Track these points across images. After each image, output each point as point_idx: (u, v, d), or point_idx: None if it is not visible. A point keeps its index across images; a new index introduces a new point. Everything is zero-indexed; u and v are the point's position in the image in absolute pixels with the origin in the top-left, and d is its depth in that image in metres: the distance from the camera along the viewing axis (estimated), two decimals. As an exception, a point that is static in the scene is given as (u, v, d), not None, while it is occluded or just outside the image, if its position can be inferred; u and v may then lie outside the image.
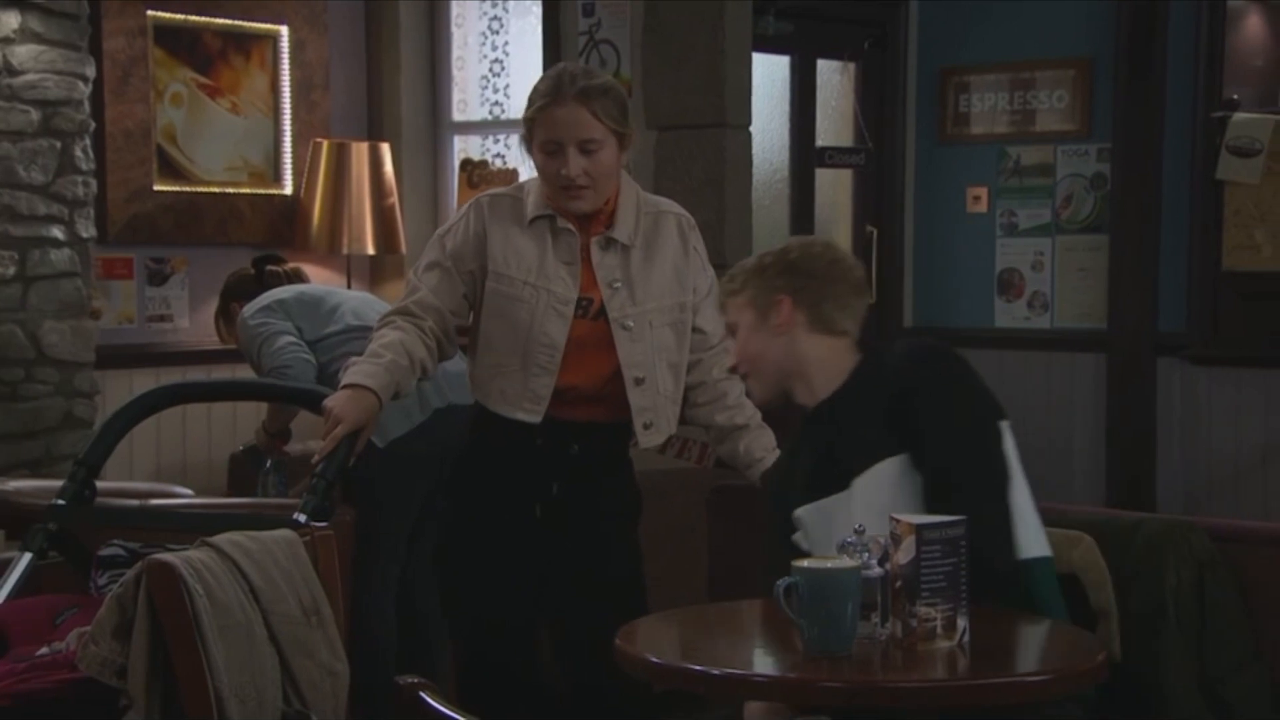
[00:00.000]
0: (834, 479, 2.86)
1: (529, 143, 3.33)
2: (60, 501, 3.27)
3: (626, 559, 3.44)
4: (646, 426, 3.35)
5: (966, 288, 6.91)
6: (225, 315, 4.86)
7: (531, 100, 3.31)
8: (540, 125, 3.28)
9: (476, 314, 3.40)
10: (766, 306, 3.00)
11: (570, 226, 3.33)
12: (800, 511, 2.91)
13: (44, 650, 2.84)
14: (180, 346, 6.10)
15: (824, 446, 2.92)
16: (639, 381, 3.32)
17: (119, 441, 3.41)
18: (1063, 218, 6.76)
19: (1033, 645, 2.65)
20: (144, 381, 5.77)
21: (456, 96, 6.75)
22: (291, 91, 6.36)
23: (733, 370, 3.14)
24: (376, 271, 6.71)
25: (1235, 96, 6.43)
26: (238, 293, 4.77)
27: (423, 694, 1.88)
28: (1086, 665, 2.48)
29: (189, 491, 4.87)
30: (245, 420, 6.20)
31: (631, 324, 3.32)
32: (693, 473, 4.61)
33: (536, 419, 3.30)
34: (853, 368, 2.98)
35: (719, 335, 3.46)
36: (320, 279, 6.44)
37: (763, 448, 3.45)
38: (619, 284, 3.33)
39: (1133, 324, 6.54)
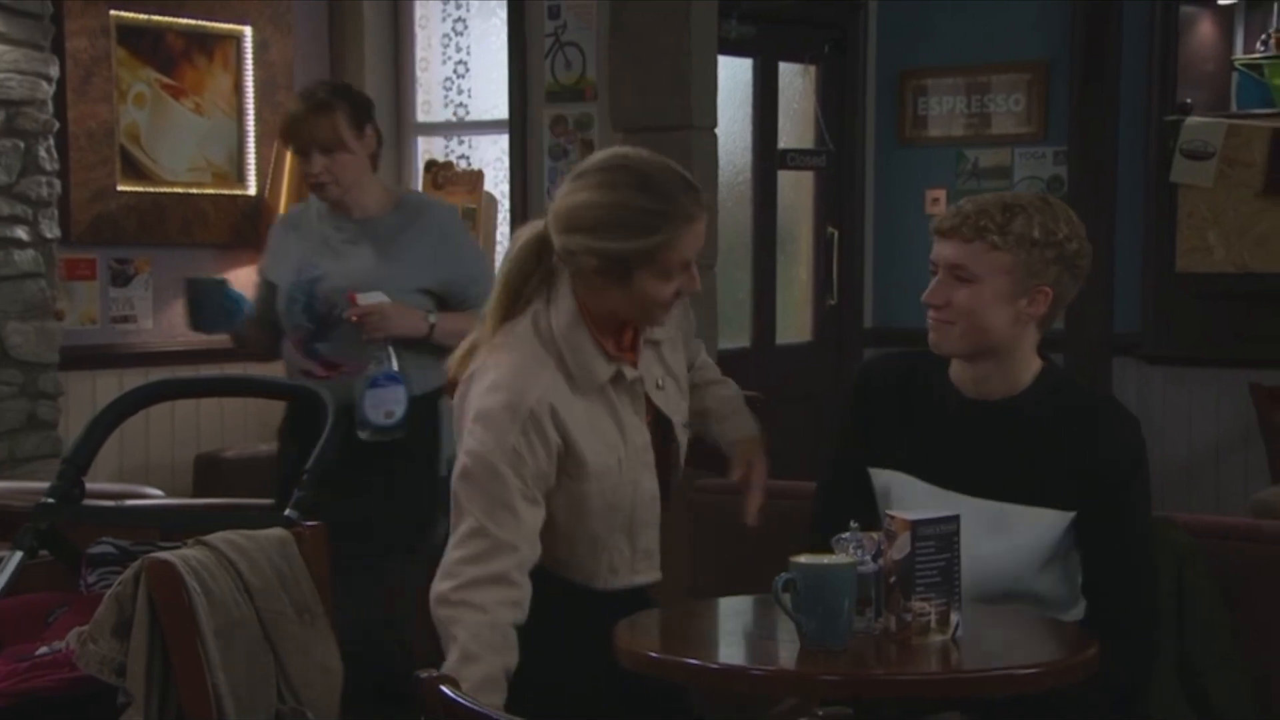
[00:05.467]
0: (982, 484, 2.81)
1: (628, 265, 2.73)
2: (50, 500, 3.27)
3: None
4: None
5: (925, 289, 6.93)
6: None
7: (648, 222, 2.71)
8: (673, 244, 2.72)
9: (550, 504, 2.81)
10: (1028, 290, 2.75)
11: (637, 372, 2.89)
12: (925, 490, 2.83)
13: (43, 649, 2.85)
14: (144, 347, 6.08)
15: (995, 444, 2.82)
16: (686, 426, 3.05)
17: (106, 439, 3.41)
18: (1019, 220, 6.83)
19: (1025, 638, 2.69)
20: (107, 383, 5.75)
21: (420, 98, 6.77)
22: (255, 92, 6.35)
23: (930, 304, 2.83)
24: (339, 272, 6.69)
25: (1188, 100, 6.54)
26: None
27: (444, 688, 1.91)
28: (1078, 658, 2.53)
29: (159, 492, 4.86)
30: (209, 422, 6.20)
31: (681, 418, 3.03)
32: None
33: (658, 575, 2.95)
34: (1036, 372, 2.86)
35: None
36: (284, 280, 6.44)
37: (718, 399, 3.17)
38: (663, 380, 2.97)
39: (1088, 324, 6.61)
